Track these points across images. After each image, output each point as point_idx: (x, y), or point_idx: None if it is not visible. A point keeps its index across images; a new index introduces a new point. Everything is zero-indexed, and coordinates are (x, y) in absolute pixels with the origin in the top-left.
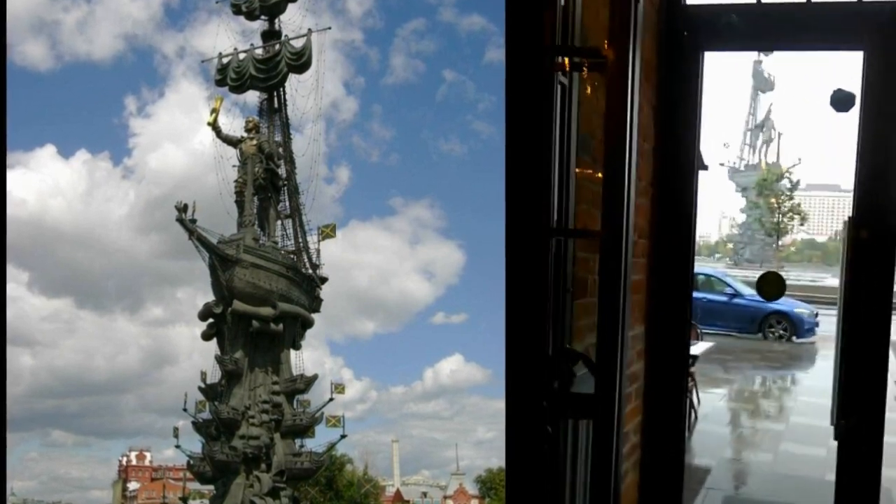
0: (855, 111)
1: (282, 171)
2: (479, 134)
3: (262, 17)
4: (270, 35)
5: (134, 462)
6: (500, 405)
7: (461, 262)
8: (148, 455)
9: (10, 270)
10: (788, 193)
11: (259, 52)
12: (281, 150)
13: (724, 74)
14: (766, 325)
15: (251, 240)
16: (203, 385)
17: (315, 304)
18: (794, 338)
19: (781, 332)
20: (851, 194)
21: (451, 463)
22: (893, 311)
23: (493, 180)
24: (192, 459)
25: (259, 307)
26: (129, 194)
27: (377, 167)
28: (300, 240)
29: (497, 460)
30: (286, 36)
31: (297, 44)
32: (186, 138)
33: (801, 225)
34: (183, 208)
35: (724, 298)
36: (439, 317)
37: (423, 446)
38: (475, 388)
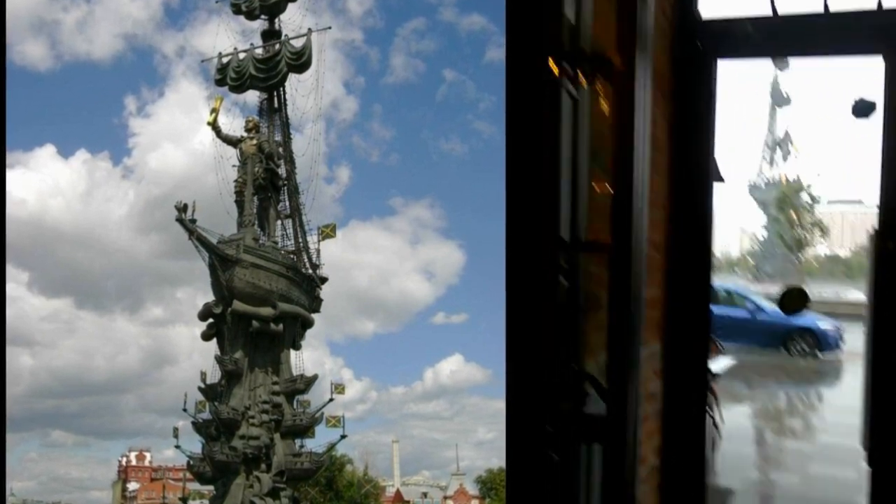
0: (877, 119)
1: (282, 170)
2: (480, 133)
3: (262, 16)
4: (270, 35)
5: (134, 462)
6: (501, 405)
7: (461, 262)
8: (148, 455)
9: (10, 270)
10: (808, 208)
11: (259, 51)
12: (281, 149)
13: (740, 91)
14: (790, 340)
15: (251, 240)
16: (203, 385)
17: (315, 304)
18: (818, 353)
19: (805, 347)
20: (874, 209)
21: (452, 463)
22: None
23: (494, 180)
24: (191, 460)
25: (259, 307)
26: (129, 194)
27: (377, 167)
28: (300, 240)
29: (497, 461)
30: (286, 36)
31: (297, 43)
32: (186, 138)
33: (823, 239)
34: (183, 208)
35: (745, 314)
36: (439, 317)
37: (423, 446)
38: (475, 389)
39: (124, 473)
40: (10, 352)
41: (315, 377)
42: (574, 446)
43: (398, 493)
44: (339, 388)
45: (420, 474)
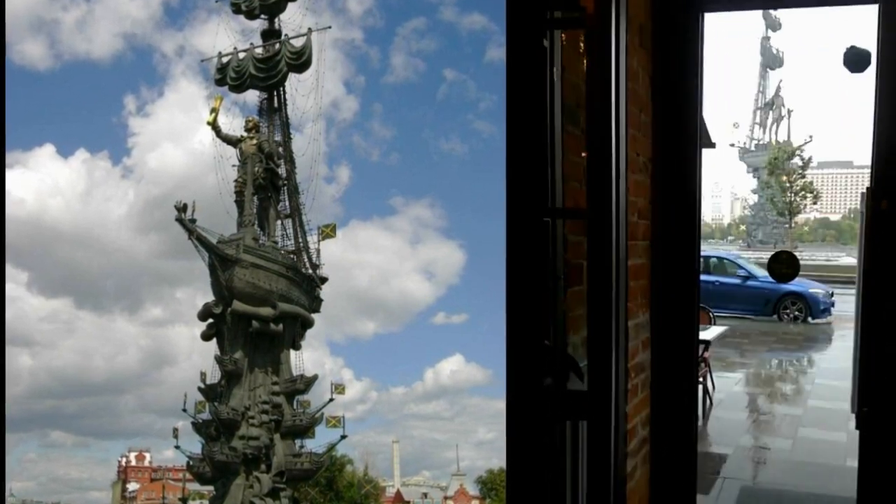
0: (871, 71)
1: (282, 170)
2: (480, 133)
3: (262, 16)
4: (270, 34)
5: (133, 463)
6: (501, 406)
7: (462, 262)
8: (147, 456)
9: (9, 270)
10: (800, 172)
11: (259, 51)
12: (281, 149)
13: (731, 53)
14: (781, 306)
15: (251, 240)
16: (203, 385)
17: (315, 304)
18: (809, 318)
19: (797, 313)
20: (865, 171)
21: (452, 464)
22: None
23: (494, 180)
24: (191, 460)
25: (259, 307)
26: (129, 194)
27: (378, 167)
28: (300, 240)
29: (498, 461)
30: (286, 35)
31: (297, 43)
32: (186, 138)
33: (814, 203)
34: (182, 208)
35: (737, 281)
36: (440, 317)
37: (423, 447)
38: (476, 389)
39: (124, 474)
40: (10, 352)
41: (315, 377)
42: (559, 424)
43: (398, 493)
44: (339, 388)
45: (420, 475)
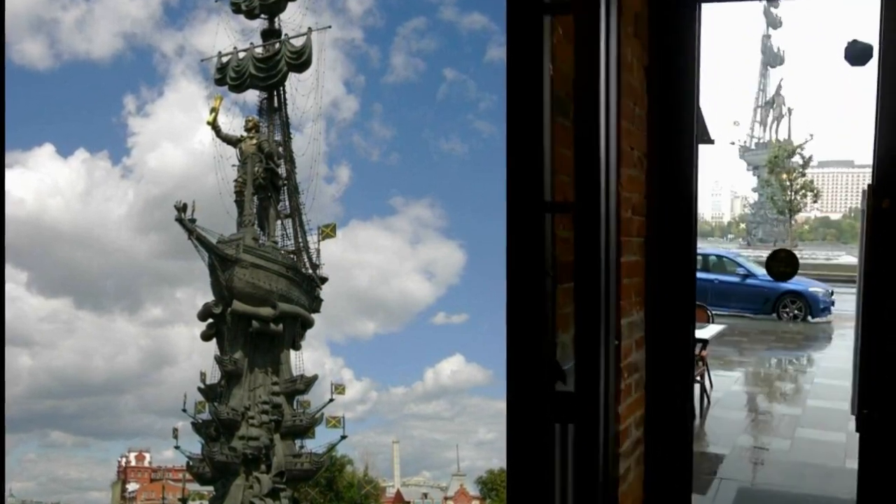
0: (872, 67)
1: (282, 170)
2: (480, 133)
3: (262, 15)
4: (270, 34)
5: (133, 463)
6: (502, 406)
7: (462, 262)
8: (147, 456)
9: (9, 270)
10: (801, 170)
11: (259, 50)
12: (281, 149)
13: (732, 50)
14: (781, 305)
15: (251, 240)
16: (202, 386)
17: (315, 304)
18: (809, 317)
19: (796, 312)
20: (865, 170)
21: (452, 464)
22: None
23: (494, 180)
24: (191, 460)
25: (259, 307)
26: (128, 194)
27: (378, 166)
28: (300, 240)
29: (498, 461)
30: (286, 35)
31: (297, 42)
32: (186, 137)
33: (815, 202)
34: (182, 208)
35: (736, 279)
36: (440, 317)
37: (423, 447)
38: (476, 389)
39: (123, 474)
40: (9, 352)
41: (315, 377)
42: (549, 427)
43: (398, 493)
44: (339, 388)
45: (420, 475)
